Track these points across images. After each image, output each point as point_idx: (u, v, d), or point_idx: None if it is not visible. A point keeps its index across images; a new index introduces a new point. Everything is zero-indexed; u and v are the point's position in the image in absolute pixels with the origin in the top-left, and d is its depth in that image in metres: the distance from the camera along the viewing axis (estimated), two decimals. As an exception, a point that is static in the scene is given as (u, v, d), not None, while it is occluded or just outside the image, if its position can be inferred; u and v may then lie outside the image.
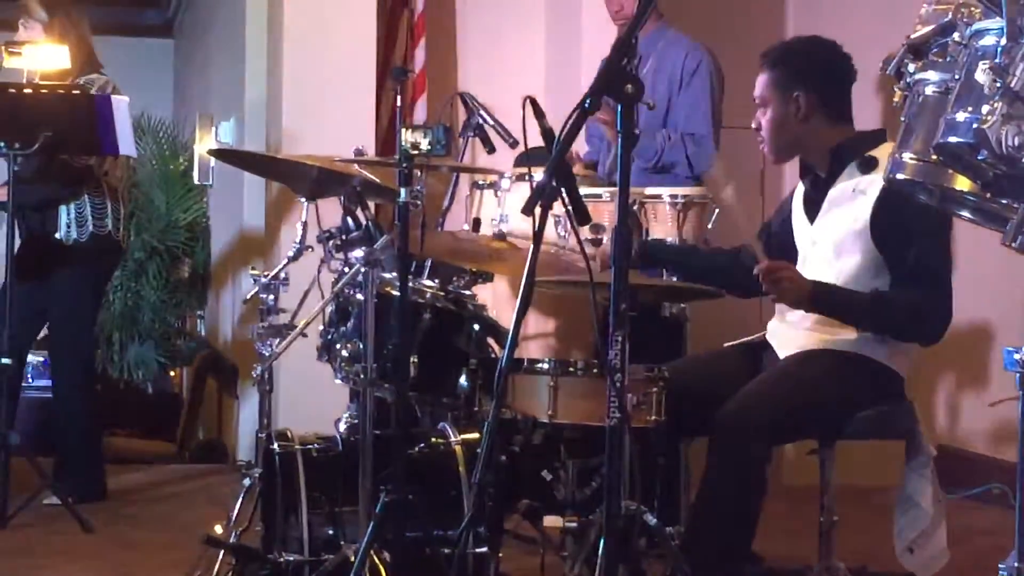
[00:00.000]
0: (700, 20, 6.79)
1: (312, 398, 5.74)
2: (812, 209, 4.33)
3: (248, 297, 4.50)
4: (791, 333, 4.28)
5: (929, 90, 2.86)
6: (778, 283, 4.04)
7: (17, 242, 6.04)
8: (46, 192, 6.07)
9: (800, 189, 4.45)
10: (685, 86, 5.88)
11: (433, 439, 4.18)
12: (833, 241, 4.22)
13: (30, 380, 7.54)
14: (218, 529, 4.23)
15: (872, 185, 4.11)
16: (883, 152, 4.18)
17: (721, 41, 6.47)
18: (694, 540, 4.02)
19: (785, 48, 4.40)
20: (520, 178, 4.98)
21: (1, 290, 5.99)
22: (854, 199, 4.18)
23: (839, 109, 4.30)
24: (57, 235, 6.10)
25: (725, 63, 6.12)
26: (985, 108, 2.55)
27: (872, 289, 4.11)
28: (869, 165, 4.18)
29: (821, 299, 4.06)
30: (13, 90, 5.74)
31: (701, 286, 4.42)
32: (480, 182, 5.32)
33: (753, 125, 4.37)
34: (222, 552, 4.20)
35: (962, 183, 2.83)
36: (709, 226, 5.17)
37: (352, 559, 3.70)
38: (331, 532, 3.98)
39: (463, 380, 4.16)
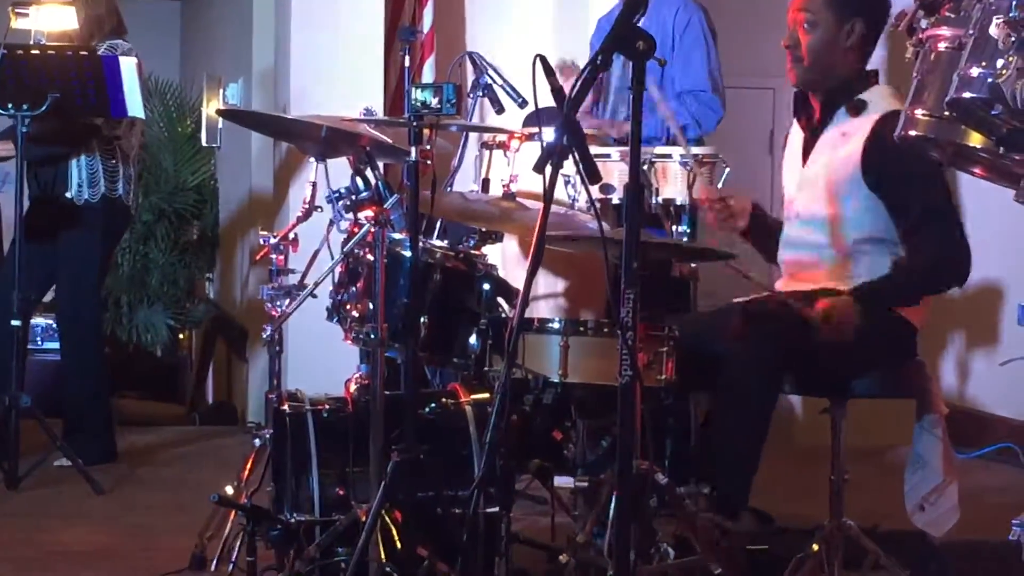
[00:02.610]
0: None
1: (322, 359, 5.74)
2: (805, 150, 4.30)
3: (259, 256, 4.49)
4: (802, 292, 4.26)
5: (942, 46, 2.84)
6: (834, 324, 4.00)
7: (27, 202, 6.04)
8: (51, 149, 6.06)
9: (796, 131, 4.40)
10: (677, 46, 5.85)
11: (444, 399, 4.17)
12: (827, 184, 4.19)
13: (39, 343, 7.54)
14: (229, 490, 4.23)
15: (859, 129, 4.09)
16: (873, 94, 4.16)
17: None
18: (709, 443, 4.06)
19: None
20: (530, 138, 4.96)
21: (10, 252, 5.99)
22: (843, 143, 4.15)
23: (873, 47, 4.24)
24: (68, 194, 6.10)
25: (729, 22, 6.09)
26: (999, 62, 2.53)
27: (892, 259, 4.11)
28: (858, 109, 4.14)
29: (864, 300, 4.04)
30: (21, 52, 5.72)
31: (712, 248, 4.40)
32: (489, 142, 5.31)
33: (784, 42, 4.26)
34: (233, 513, 4.20)
35: (975, 139, 2.82)
36: (719, 185, 5.15)
37: (363, 519, 3.70)
38: (342, 492, 3.97)
39: (473, 340, 4.16)
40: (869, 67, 4.28)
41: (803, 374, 4.15)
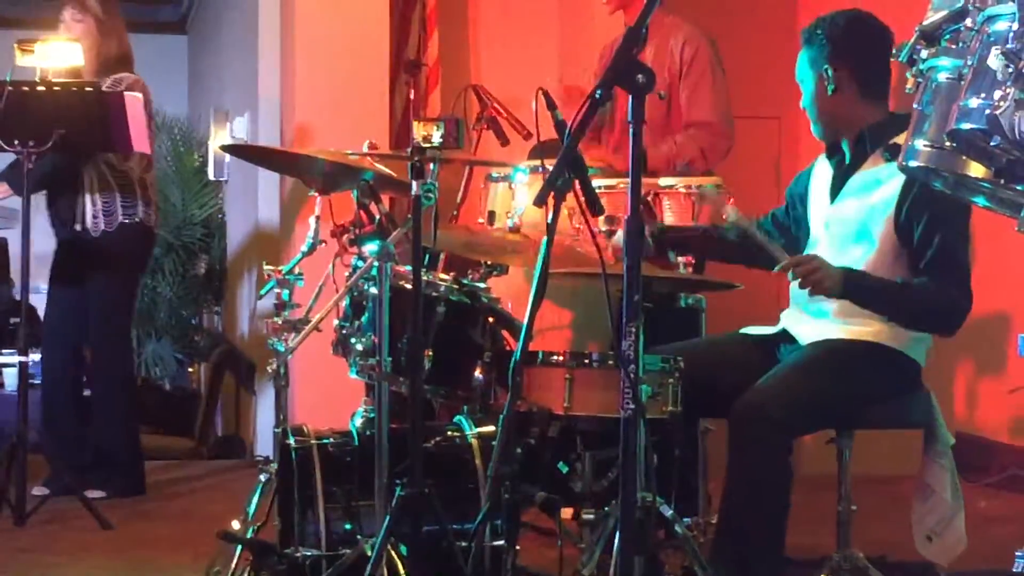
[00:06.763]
0: (708, 7, 6.78)
1: (328, 393, 5.74)
2: (833, 191, 4.30)
3: (263, 293, 4.50)
4: (807, 323, 4.25)
5: (942, 77, 2.84)
6: (811, 274, 3.99)
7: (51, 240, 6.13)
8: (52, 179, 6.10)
9: (825, 168, 4.40)
10: (685, 75, 5.82)
11: (449, 432, 4.17)
12: (852, 226, 4.18)
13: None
14: (235, 525, 4.23)
15: (895, 174, 4.07)
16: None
17: (730, 29, 6.46)
18: (727, 540, 4.01)
19: (818, 23, 4.26)
20: (534, 170, 4.96)
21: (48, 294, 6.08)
22: (878, 187, 4.14)
23: (874, 85, 4.23)
24: (78, 226, 6.11)
25: (735, 51, 6.09)
26: (997, 94, 2.53)
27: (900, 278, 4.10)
28: (895, 153, 4.11)
29: (853, 286, 4.02)
30: (26, 88, 5.74)
31: (716, 279, 4.40)
32: (494, 175, 5.31)
33: (801, 105, 4.31)
34: (239, 548, 4.20)
35: (976, 170, 2.82)
36: (724, 216, 5.15)
37: (369, 553, 3.69)
38: (348, 527, 3.97)
39: (478, 373, 4.15)
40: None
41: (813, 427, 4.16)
